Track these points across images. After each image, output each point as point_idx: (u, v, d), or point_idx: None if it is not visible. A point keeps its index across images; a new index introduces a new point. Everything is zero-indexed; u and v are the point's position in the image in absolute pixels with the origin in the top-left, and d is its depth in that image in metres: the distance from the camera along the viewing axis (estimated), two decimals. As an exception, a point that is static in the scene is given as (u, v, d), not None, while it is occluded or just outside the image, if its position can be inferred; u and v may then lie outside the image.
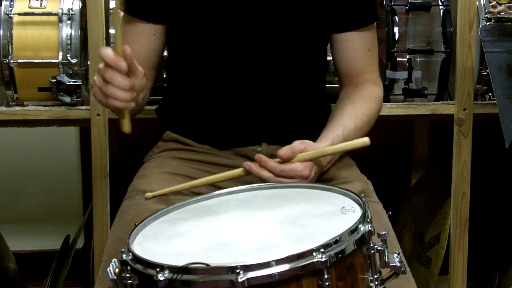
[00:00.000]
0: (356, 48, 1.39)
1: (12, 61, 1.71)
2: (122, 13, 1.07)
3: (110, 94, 1.12)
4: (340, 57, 1.41)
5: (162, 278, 0.85)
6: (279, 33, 1.34)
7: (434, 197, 2.01)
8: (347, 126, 1.31)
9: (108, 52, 1.09)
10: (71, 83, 1.72)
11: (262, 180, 1.22)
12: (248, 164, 1.23)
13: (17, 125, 1.80)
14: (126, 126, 1.17)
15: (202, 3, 1.32)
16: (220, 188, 1.28)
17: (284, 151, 1.21)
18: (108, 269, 0.93)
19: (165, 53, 1.51)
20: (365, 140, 1.20)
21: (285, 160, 1.21)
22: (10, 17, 1.72)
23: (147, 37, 1.37)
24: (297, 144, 1.22)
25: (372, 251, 0.93)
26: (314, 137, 1.36)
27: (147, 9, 1.34)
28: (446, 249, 1.88)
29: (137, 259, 0.91)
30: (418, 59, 1.93)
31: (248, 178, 1.35)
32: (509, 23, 1.78)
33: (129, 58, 1.11)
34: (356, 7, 1.36)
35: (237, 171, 1.25)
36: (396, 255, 0.96)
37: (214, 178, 1.27)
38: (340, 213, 1.01)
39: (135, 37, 1.37)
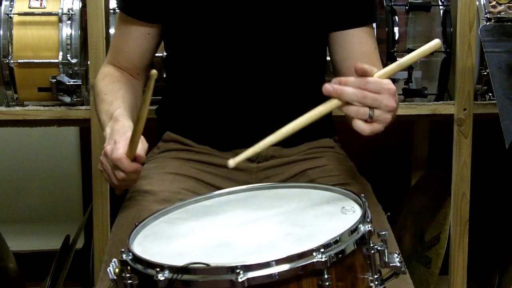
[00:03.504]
0: (363, 44, 1.37)
1: (12, 61, 1.71)
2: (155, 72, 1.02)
3: (122, 187, 1.21)
4: (347, 54, 1.37)
5: (162, 278, 0.85)
6: (279, 33, 1.33)
7: (434, 197, 2.01)
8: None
9: (124, 163, 1.12)
10: (71, 83, 1.72)
11: (347, 99, 1.05)
12: (327, 88, 1.07)
13: (17, 125, 1.80)
14: (120, 191, 1.27)
15: (200, 3, 1.31)
16: (220, 188, 1.28)
17: (361, 64, 1.06)
18: (108, 269, 0.93)
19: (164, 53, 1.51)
20: (437, 42, 1.06)
21: (362, 74, 1.06)
22: (10, 17, 1.72)
23: (141, 37, 1.37)
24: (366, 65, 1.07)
25: (372, 251, 0.93)
26: (314, 138, 1.36)
27: (143, 9, 1.34)
28: (446, 249, 1.88)
29: (137, 259, 0.91)
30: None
31: (249, 178, 1.36)
32: (509, 23, 1.78)
33: (143, 159, 1.15)
34: (359, 5, 1.35)
35: (326, 106, 1.08)
36: (396, 255, 0.96)
37: (303, 120, 1.10)
38: (340, 213, 1.01)
39: (129, 36, 1.37)
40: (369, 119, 1.06)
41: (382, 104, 1.06)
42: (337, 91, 1.06)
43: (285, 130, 1.06)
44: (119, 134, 1.16)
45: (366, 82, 1.05)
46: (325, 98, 1.47)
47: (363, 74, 1.06)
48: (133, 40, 1.37)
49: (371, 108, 1.06)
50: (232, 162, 1.02)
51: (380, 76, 1.07)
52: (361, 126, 1.07)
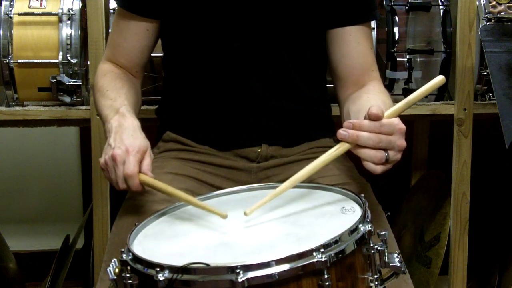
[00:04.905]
0: (360, 43, 1.35)
1: (12, 61, 1.71)
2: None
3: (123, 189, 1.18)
4: (343, 53, 1.36)
5: (162, 278, 0.85)
6: (278, 31, 1.33)
7: (434, 197, 2.01)
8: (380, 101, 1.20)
9: (134, 182, 1.12)
10: (71, 83, 1.72)
11: (362, 144, 1.05)
12: (342, 133, 1.05)
13: (17, 125, 1.80)
14: None
15: (199, 1, 1.31)
16: (220, 188, 1.28)
17: (375, 108, 1.05)
18: (108, 269, 0.93)
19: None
20: (442, 78, 1.09)
21: (376, 119, 1.05)
22: (10, 17, 1.72)
23: (140, 33, 1.36)
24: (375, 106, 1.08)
25: (372, 251, 0.93)
26: (314, 138, 1.36)
27: (142, 4, 1.34)
28: (446, 249, 1.88)
29: (137, 259, 0.91)
30: (418, 59, 1.93)
31: (249, 178, 1.36)
32: (509, 23, 1.78)
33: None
34: (357, 3, 1.35)
35: (338, 150, 1.07)
36: (396, 255, 0.96)
37: (316, 165, 1.08)
38: (340, 213, 1.01)
39: (128, 32, 1.37)
40: (386, 162, 1.07)
41: (395, 145, 1.06)
42: (353, 137, 1.05)
43: (300, 175, 1.07)
44: (129, 139, 1.15)
45: (380, 125, 1.05)
46: (326, 96, 1.48)
47: (376, 119, 1.05)
48: (132, 36, 1.37)
49: (385, 150, 1.06)
50: (248, 211, 1.03)
51: (389, 115, 1.08)
52: (373, 167, 1.07)
